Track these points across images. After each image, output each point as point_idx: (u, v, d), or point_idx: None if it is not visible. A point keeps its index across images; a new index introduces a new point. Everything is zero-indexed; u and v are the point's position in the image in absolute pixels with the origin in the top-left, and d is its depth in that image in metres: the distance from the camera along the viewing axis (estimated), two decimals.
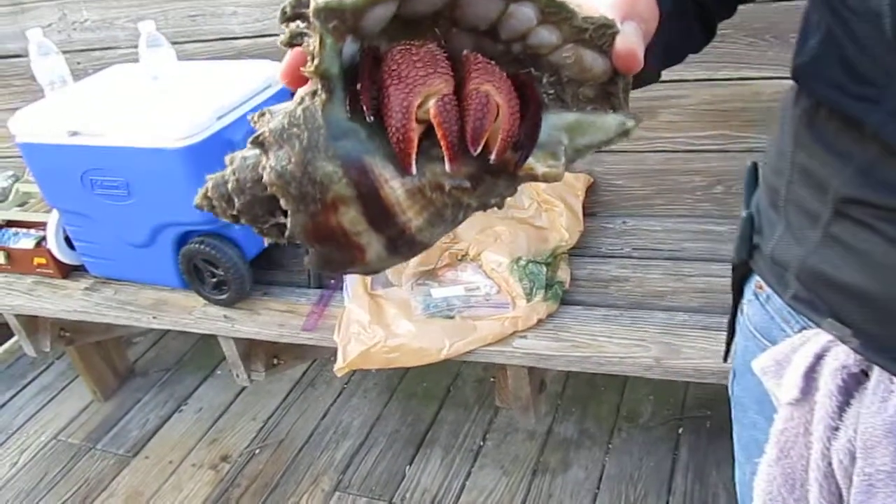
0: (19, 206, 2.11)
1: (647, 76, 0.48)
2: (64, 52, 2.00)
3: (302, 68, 0.36)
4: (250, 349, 1.79)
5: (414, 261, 1.66)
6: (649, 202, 1.81)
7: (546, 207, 1.76)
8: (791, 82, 0.58)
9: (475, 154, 0.35)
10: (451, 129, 0.34)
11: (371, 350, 1.51)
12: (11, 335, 2.21)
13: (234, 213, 0.38)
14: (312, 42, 0.34)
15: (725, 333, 0.75)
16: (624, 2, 0.39)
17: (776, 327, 0.64)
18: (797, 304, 0.60)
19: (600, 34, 0.37)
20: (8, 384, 2.47)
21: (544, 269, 1.59)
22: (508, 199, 0.39)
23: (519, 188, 0.40)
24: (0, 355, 2.58)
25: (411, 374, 2.20)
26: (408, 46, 0.35)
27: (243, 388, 2.26)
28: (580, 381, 2.07)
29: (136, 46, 1.85)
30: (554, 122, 0.38)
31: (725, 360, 0.76)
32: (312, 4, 0.33)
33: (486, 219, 1.77)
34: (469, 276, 1.63)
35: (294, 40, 0.36)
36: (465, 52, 0.36)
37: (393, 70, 0.34)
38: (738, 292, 0.71)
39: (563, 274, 1.63)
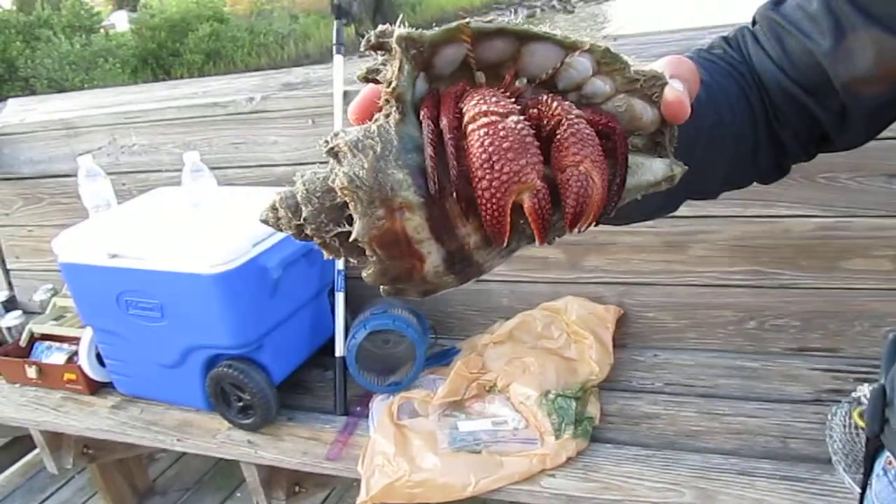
0: (55, 319, 2.15)
1: (661, 203, 0.49)
2: (111, 174, 2.08)
3: (376, 99, 0.39)
4: (272, 476, 1.76)
5: (441, 391, 1.64)
6: (681, 336, 1.79)
7: (576, 339, 1.74)
8: None
9: (573, 233, 0.37)
10: (545, 222, 0.36)
11: (395, 484, 1.47)
12: (33, 447, 2.20)
13: (299, 222, 0.39)
14: (391, 68, 0.38)
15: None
16: (668, 63, 0.41)
17: None
18: None
19: (651, 84, 0.40)
20: (27, 498, 2.44)
21: (574, 403, 1.56)
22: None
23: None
24: (20, 468, 2.57)
25: None
26: (490, 118, 0.36)
27: None
28: None
29: (179, 170, 1.92)
30: None
31: None
32: (396, 33, 0.37)
33: (514, 349, 1.76)
34: (497, 408, 1.61)
35: (370, 75, 0.40)
36: (548, 95, 0.38)
37: (481, 153, 0.35)
38: (869, 466, 0.69)
39: (593, 409, 1.59)
